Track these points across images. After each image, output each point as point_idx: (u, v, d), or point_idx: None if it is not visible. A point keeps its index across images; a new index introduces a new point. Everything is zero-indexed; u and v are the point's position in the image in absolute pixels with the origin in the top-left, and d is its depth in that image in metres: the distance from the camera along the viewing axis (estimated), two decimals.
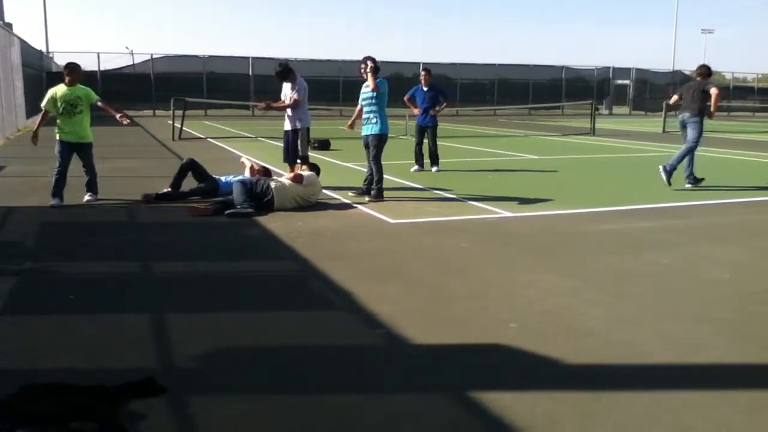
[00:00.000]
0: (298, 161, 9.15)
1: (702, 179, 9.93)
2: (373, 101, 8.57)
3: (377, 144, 8.58)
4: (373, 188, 8.55)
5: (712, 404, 3.17)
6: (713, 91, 9.65)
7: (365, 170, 8.86)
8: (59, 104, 7.93)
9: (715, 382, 3.45)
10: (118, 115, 8.35)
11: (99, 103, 8.15)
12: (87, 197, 8.18)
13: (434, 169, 11.49)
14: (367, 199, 8.51)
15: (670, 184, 9.64)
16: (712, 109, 9.72)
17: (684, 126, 9.99)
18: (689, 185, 9.84)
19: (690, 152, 9.85)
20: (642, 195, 9.39)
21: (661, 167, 9.85)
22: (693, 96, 9.86)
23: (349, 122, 9.44)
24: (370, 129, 8.62)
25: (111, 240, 6.49)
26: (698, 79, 10.13)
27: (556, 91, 40.78)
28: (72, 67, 8.22)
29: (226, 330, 4.10)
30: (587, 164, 13.85)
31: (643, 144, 18.54)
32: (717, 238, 6.82)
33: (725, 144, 17.93)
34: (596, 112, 24.19)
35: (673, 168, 9.76)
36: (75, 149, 8.11)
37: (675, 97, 10.52)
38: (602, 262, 5.76)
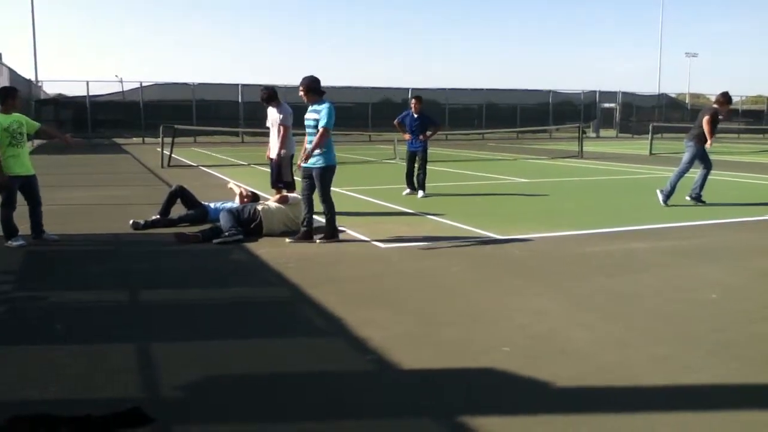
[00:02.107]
0: (281, 185, 9.19)
1: (703, 202, 10.36)
2: (315, 129, 7.31)
3: (324, 177, 7.41)
4: (325, 228, 7.52)
5: (703, 426, 3.16)
6: (704, 117, 10.16)
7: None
8: (7, 135, 7.11)
9: (706, 403, 3.44)
10: (66, 136, 8.08)
11: (41, 129, 7.76)
12: (51, 235, 7.57)
13: (420, 194, 11.45)
14: (317, 240, 7.45)
15: (666, 205, 10.14)
16: (707, 135, 10.25)
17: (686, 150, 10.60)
18: (688, 198, 10.39)
19: (681, 175, 10.32)
20: (630, 217, 9.44)
21: (658, 191, 10.40)
22: (696, 121, 10.55)
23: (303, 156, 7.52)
24: (314, 160, 7.38)
25: (99, 268, 6.43)
26: (714, 105, 10.68)
27: (544, 115, 41.13)
28: (11, 92, 7.43)
29: (215, 358, 4.05)
30: (576, 187, 13.92)
31: (630, 166, 18.68)
32: (706, 258, 6.84)
33: (715, 165, 18.06)
34: (583, 135, 24.39)
35: (669, 192, 10.25)
36: (24, 183, 7.36)
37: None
38: (592, 284, 5.76)
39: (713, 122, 10.26)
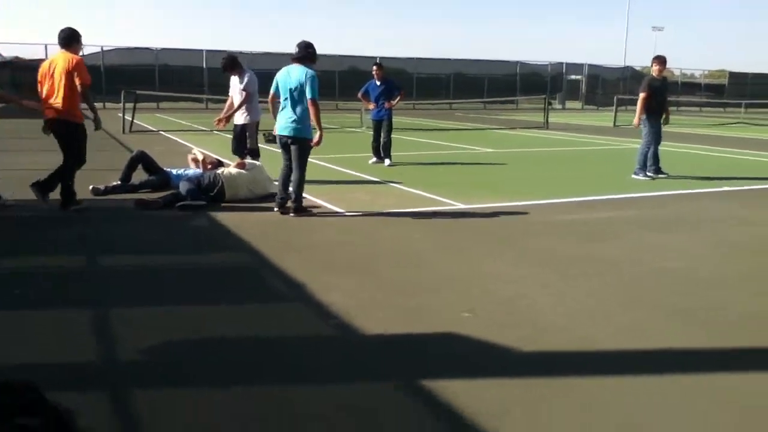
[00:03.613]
0: (246, 152, 9.08)
1: (665, 174, 10.44)
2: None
3: (307, 148, 7.14)
4: (295, 202, 7.16)
5: (660, 390, 3.24)
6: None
7: (310, 165, 7.42)
8: None
9: (663, 368, 3.52)
10: (23, 102, 7.62)
11: None
12: (7, 200, 7.39)
13: (387, 162, 11.46)
14: (291, 213, 7.11)
15: (662, 173, 10.39)
16: (636, 113, 10.44)
17: None
18: (650, 174, 10.39)
19: (643, 148, 10.38)
20: (595, 187, 9.57)
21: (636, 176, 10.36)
22: None
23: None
24: (299, 129, 7.02)
25: (58, 234, 6.31)
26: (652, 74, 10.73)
27: (511, 86, 41.18)
28: None
29: (177, 323, 4.03)
30: (541, 157, 14.03)
31: (595, 137, 18.87)
32: (668, 227, 6.97)
33: (675, 138, 18.37)
34: (549, 107, 24.54)
35: (642, 166, 10.32)
36: None
37: None
38: (556, 252, 5.83)
39: (649, 95, 10.22)
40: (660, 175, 10.36)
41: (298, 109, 6.96)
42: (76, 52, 7.02)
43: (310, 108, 6.94)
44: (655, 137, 10.38)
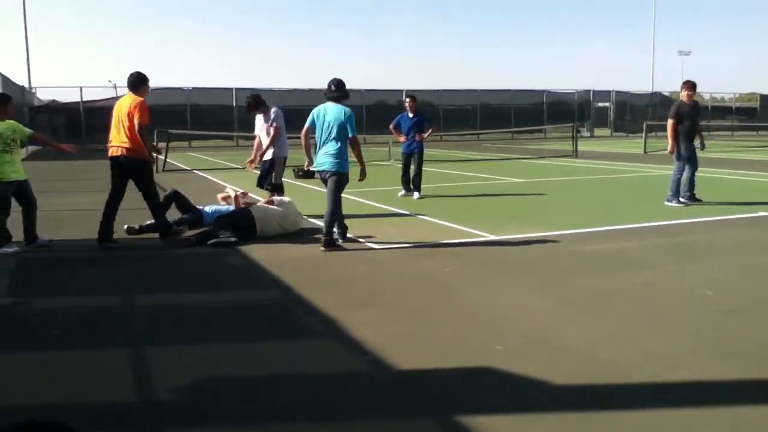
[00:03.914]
0: (269, 188, 9.22)
1: (699, 200, 10.22)
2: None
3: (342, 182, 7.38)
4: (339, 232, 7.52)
5: (694, 422, 3.17)
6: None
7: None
8: (0, 142, 7.19)
9: (696, 399, 3.46)
10: (64, 146, 8.16)
11: (34, 136, 7.67)
12: (44, 238, 7.61)
13: (416, 195, 11.45)
14: (322, 247, 7.19)
15: (696, 200, 10.19)
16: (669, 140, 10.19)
17: None
18: (683, 200, 10.19)
19: (676, 174, 10.24)
20: (626, 215, 9.46)
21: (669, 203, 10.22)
22: None
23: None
24: (336, 163, 7.28)
25: (92, 273, 6.43)
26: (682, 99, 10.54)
27: (538, 115, 41.18)
28: (5, 99, 7.53)
29: (211, 361, 4.06)
30: (570, 186, 13.95)
31: (625, 165, 18.72)
32: (699, 255, 6.87)
33: (708, 163, 18.14)
34: (578, 135, 24.45)
35: (675, 192, 10.17)
36: (17, 188, 7.41)
37: None
38: (586, 282, 5.77)
39: (678, 121, 10.12)
40: (694, 203, 10.19)
41: (338, 145, 7.21)
42: (142, 95, 7.46)
43: (353, 145, 7.24)
44: (691, 163, 10.22)
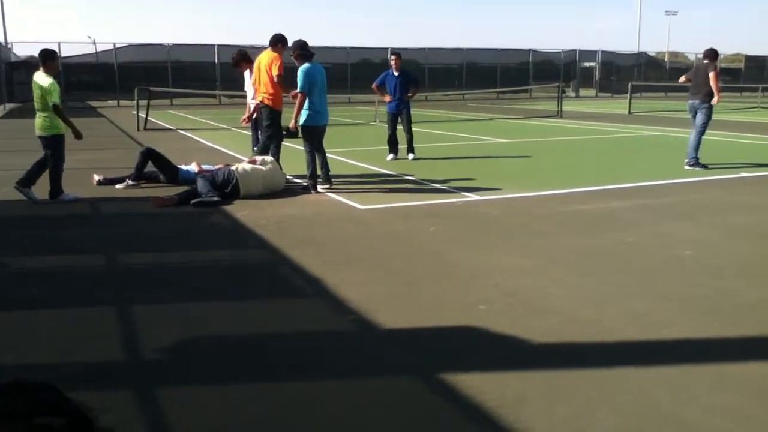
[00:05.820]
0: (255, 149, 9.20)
1: (704, 166, 10.00)
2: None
3: (304, 134, 8.27)
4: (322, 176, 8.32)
5: (678, 379, 3.23)
6: (710, 74, 9.82)
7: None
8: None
9: (680, 357, 3.51)
10: (76, 131, 8.12)
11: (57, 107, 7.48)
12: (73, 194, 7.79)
13: (410, 156, 11.18)
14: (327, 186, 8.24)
15: (706, 167, 9.89)
16: (715, 92, 9.83)
17: (695, 111, 10.16)
18: (688, 167, 9.98)
19: (700, 136, 10.03)
20: (608, 176, 9.51)
21: (687, 165, 10.01)
22: (700, 80, 10.01)
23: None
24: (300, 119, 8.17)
25: (76, 233, 6.38)
26: (705, 62, 10.17)
27: (524, 75, 40.96)
28: (52, 55, 7.59)
29: (196, 321, 4.06)
30: (555, 147, 13.96)
31: (610, 125, 18.74)
32: (683, 215, 6.93)
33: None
34: (563, 95, 24.36)
35: (695, 157, 9.97)
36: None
37: (683, 78, 10.69)
38: (569, 241, 5.81)
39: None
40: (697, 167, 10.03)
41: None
42: (279, 52, 8.41)
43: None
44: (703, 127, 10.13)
